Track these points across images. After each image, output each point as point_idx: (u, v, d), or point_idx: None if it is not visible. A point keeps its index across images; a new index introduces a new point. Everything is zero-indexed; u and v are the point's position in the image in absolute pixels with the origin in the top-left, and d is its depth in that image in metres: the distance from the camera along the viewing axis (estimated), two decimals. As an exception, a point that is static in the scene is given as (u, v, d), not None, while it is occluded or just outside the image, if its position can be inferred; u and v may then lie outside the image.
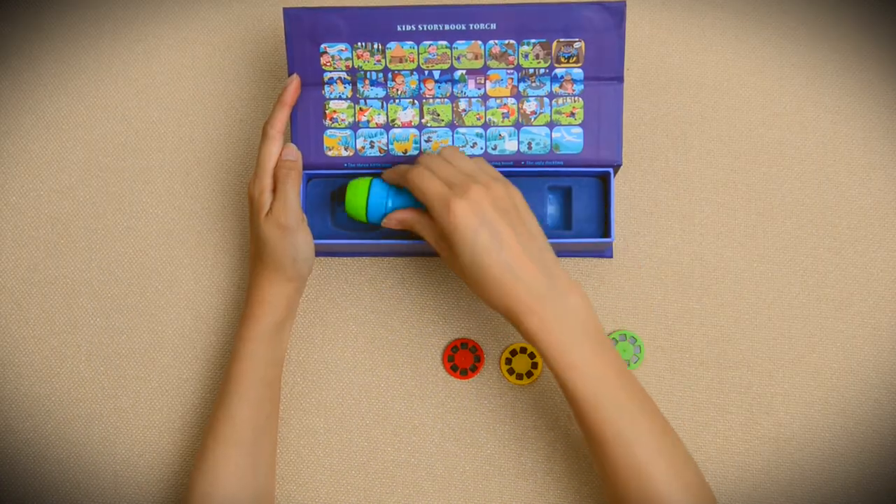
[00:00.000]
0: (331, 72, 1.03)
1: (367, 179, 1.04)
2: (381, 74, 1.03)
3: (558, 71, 1.02)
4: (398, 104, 1.04)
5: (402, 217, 1.00)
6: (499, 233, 0.92)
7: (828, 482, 1.08)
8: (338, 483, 1.10)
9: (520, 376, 1.10)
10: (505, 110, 1.04)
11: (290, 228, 0.99)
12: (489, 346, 1.11)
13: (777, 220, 1.12)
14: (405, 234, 1.08)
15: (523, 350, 1.10)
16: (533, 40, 1.01)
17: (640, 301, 1.11)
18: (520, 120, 1.04)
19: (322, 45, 1.02)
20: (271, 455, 1.05)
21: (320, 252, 1.10)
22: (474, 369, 1.10)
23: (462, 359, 1.10)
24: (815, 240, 1.11)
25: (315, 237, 1.07)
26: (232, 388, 1.02)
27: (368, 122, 1.04)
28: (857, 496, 1.08)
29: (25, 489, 1.11)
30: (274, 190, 1.01)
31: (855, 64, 1.14)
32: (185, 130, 1.16)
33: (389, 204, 1.03)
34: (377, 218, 1.03)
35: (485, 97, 1.03)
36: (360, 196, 1.03)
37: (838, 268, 1.11)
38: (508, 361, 1.10)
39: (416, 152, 1.04)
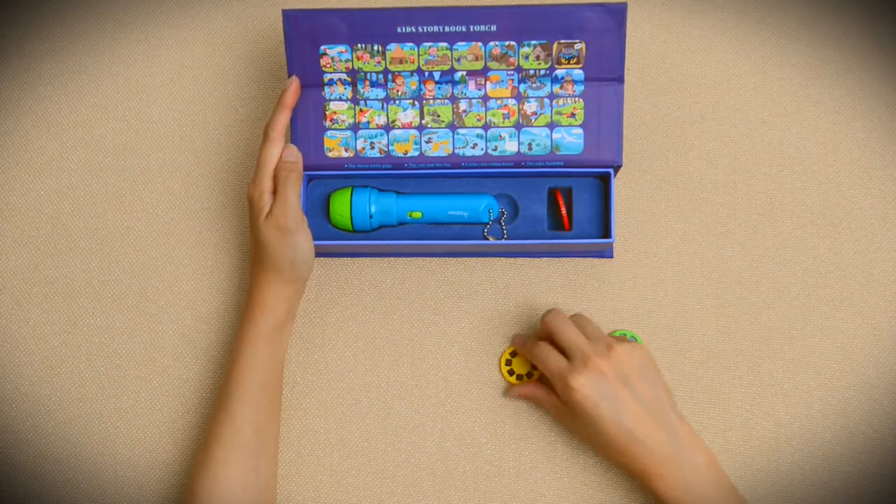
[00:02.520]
0: (331, 73, 1.03)
1: (348, 189, 1.07)
2: (381, 76, 1.03)
3: (559, 72, 1.02)
4: (398, 105, 1.04)
5: (526, 393, 1.07)
6: (619, 401, 0.97)
7: (828, 482, 1.08)
8: (338, 483, 1.10)
9: (520, 377, 1.10)
10: (505, 111, 1.03)
11: (290, 230, 0.99)
12: (490, 348, 1.12)
13: (777, 220, 1.12)
14: (405, 234, 1.08)
15: None
16: (533, 41, 1.01)
17: (640, 301, 1.11)
18: (520, 121, 1.04)
19: (322, 47, 1.02)
20: (273, 456, 1.05)
21: (320, 253, 1.10)
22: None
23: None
24: (815, 240, 1.11)
25: (315, 238, 1.07)
26: (232, 389, 1.02)
27: (369, 123, 1.04)
28: (857, 496, 1.08)
29: (25, 489, 1.11)
30: (274, 192, 1.01)
31: (855, 64, 1.14)
32: (185, 130, 1.16)
33: (373, 209, 1.06)
34: (363, 225, 1.06)
35: (485, 98, 1.03)
36: (344, 206, 1.06)
37: (838, 268, 1.11)
38: (508, 363, 1.10)
39: (416, 153, 1.04)
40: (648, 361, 1.00)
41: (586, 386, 0.96)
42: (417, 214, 1.07)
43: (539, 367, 1.02)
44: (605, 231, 1.07)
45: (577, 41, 1.01)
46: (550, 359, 1.00)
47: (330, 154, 1.05)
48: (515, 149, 1.04)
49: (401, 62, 1.02)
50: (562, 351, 1.01)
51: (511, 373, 1.10)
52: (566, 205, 1.08)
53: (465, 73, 1.03)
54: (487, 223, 1.08)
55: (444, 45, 1.02)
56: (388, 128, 1.04)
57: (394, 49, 1.02)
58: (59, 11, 1.18)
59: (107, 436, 1.12)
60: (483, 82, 1.03)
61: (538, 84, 1.03)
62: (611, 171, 1.04)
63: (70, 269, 1.14)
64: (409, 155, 1.05)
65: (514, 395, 1.07)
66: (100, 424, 1.12)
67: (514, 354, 1.10)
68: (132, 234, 1.15)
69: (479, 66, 1.02)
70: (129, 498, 1.11)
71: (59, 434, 1.12)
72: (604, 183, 1.08)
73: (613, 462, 1.00)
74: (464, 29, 1.01)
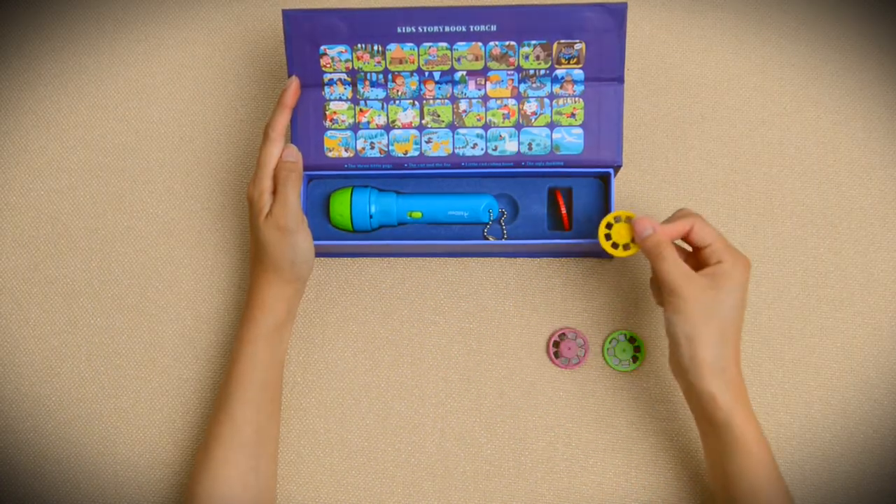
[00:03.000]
0: (331, 73, 1.03)
1: (348, 189, 1.07)
2: (381, 76, 1.03)
3: (559, 72, 1.02)
4: (398, 105, 1.04)
5: (659, 237, 0.98)
6: (745, 306, 0.97)
7: (828, 482, 1.08)
8: (338, 483, 1.10)
9: (623, 246, 1.02)
10: (505, 111, 1.03)
11: (290, 230, 0.99)
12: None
13: (777, 220, 1.12)
14: (405, 234, 1.08)
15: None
16: (533, 41, 1.01)
17: (640, 301, 1.11)
18: (520, 121, 1.04)
19: (322, 47, 1.02)
20: (273, 456, 1.05)
21: (320, 253, 1.10)
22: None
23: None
24: (815, 240, 1.11)
25: (315, 238, 1.07)
26: (232, 389, 1.02)
27: (369, 123, 1.04)
28: (857, 496, 1.08)
29: (25, 489, 1.11)
30: (274, 192, 1.01)
31: (855, 64, 1.14)
32: (185, 130, 1.16)
33: (373, 209, 1.06)
34: (363, 225, 1.06)
35: (485, 98, 1.03)
36: (344, 206, 1.05)
37: (838, 268, 1.11)
38: (609, 227, 1.03)
39: (416, 153, 1.04)
40: None
41: (749, 275, 0.97)
42: (417, 214, 1.07)
43: (704, 232, 0.98)
44: (606, 231, 1.07)
45: (577, 41, 1.01)
46: (719, 233, 0.99)
47: (330, 154, 1.05)
48: (515, 149, 1.04)
49: (401, 62, 1.02)
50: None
51: (608, 237, 1.02)
52: (566, 205, 1.08)
53: (465, 73, 1.03)
54: (487, 223, 1.08)
55: (444, 45, 1.02)
56: (388, 128, 1.04)
57: (394, 49, 1.02)
58: (59, 11, 1.18)
59: (107, 436, 1.12)
60: (483, 82, 1.03)
61: (538, 84, 1.03)
62: (611, 171, 1.04)
63: (70, 269, 1.14)
64: (409, 155, 1.04)
65: (643, 229, 0.99)
66: (100, 424, 1.12)
67: (610, 227, 1.02)
68: (132, 234, 1.15)
69: (479, 66, 1.02)
70: (129, 498, 1.11)
71: (59, 434, 1.12)
72: (604, 183, 1.08)
73: (706, 342, 0.96)
74: (464, 29, 1.01)
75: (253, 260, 1.04)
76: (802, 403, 1.09)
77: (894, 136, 1.12)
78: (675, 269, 0.97)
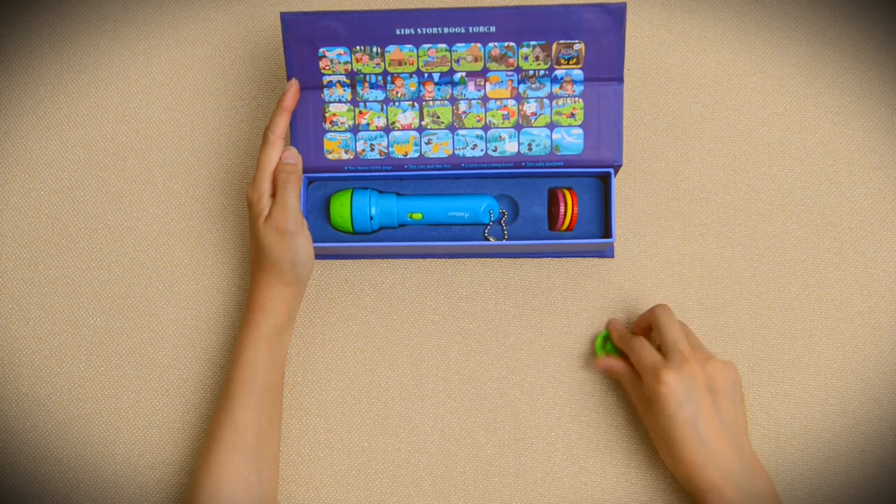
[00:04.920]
0: (330, 75, 1.03)
1: (348, 191, 1.07)
2: (380, 77, 1.03)
3: (558, 72, 1.02)
4: (398, 107, 1.04)
5: (610, 366, 1.06)
6: (701, 409, 0.97)
7: (828, 482, 1.08)
8: (338, 483, 1.10)
9: None
10: (505, 112, 1.03)
11: (290, 233, 0.99)
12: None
13: (777, 220, 1.12)
14: (405, 235, 1.08)
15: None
16: (533, 42, 1.01)
17: (641, 301, 1.11)
18: (520, 121, 1.04)
19: (321, 49, 1.02)
20: (274, 458, 1.04)
21: (321, 255, 1.10)
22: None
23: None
24: (815, 240, 1.11)
25: (315, 240, 1.07)
26: (233, 392, 1.02)
27: (368, 124, 1.04)
28: (857, 496, 1.08)
29: (25, 489, 1.11)
30: (273, 194, 1.01)
31: (855, 64, 1.14)
32: (185, 130, 1.16)
33: (373, 211, 1.06)
34: (363, 227, 1.06)
35: (485, 99, 1.03)
36: (345, 207, 1.06)
37: (838, 268, 1.11)
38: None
39: (416, 155, 1.04)
40: (738, 384, 1.00)
41: (676, 384, 0.97)
42: (418, 216, 1.07)
43: (632, 357, 1.03)
44: (606, 231, 1.07)
45: (577, 41, 1.01)
46: (645, 351, 1.01)
47: (330, 156, 1.05)
48: (515, 149, 1.04)
49: (400, 64, 1.02)
50: (659, 348, 1.03)
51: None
52: (569, 205, 1.08)
53: (464, 74, 1.03)
54: (488, 224, 1.08)
55: (444, 46, 1.01)
56: (387, 129, 1.04)
57: (392, 51, 1.02)
58: (59, 11, 1.18)
59: (107, 436, 1.12)
60: (482, 83, 1.03)
61: (538, 84, 1.03)
62: (611, 171, 1.04)
63: (70, 269, 1.14)
64: (408, 156, 1.04)
65: (601, 366, 1.07)
66: (100, 424, 1.12)
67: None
68: (132, 234, 1.15)
69: (478, 67, 1.02)
70: (129, 498, 1.11)
71: (59, 434, 1.12)
72: (604, 183, 1.08)
73: (673, 468, 1.00)
74: (463, 30, 1.01)
75: (253, 263, 1.04)
76: (802, 403, 1.09)
77: (894, 136, 1.12)
78: (630, 386, 1.05)
